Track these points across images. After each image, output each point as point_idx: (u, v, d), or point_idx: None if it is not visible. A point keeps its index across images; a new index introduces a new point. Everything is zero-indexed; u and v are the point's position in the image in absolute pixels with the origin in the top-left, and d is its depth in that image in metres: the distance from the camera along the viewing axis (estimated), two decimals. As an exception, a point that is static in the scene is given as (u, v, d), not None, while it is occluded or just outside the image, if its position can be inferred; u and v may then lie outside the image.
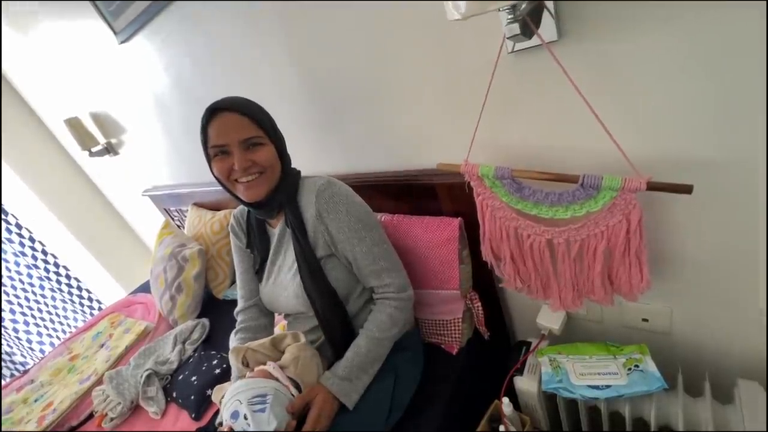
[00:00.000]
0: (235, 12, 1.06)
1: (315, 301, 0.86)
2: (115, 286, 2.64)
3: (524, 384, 0.90)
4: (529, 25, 0.57)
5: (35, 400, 1.36)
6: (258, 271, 0.98)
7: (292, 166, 0.90)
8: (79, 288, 2.63)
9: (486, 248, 0.85)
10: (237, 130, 0.79)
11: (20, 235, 2.35)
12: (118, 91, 1.69)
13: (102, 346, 1.57)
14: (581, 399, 0.80)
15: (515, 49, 0.69)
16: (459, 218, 0.94)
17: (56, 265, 2.51)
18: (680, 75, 0.59)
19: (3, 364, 2.42)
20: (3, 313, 2.37)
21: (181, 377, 1.22)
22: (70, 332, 2.42)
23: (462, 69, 0.78)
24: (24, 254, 2.38)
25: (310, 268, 0.85)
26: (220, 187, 0.86)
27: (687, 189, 0.57)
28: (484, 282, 1.02)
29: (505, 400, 0.87)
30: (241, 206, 1.00)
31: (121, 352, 1.44)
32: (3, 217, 2.28)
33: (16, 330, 2.45)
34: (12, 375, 2.43)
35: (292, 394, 0.79)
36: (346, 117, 1.05)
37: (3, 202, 2.26)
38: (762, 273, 0.68)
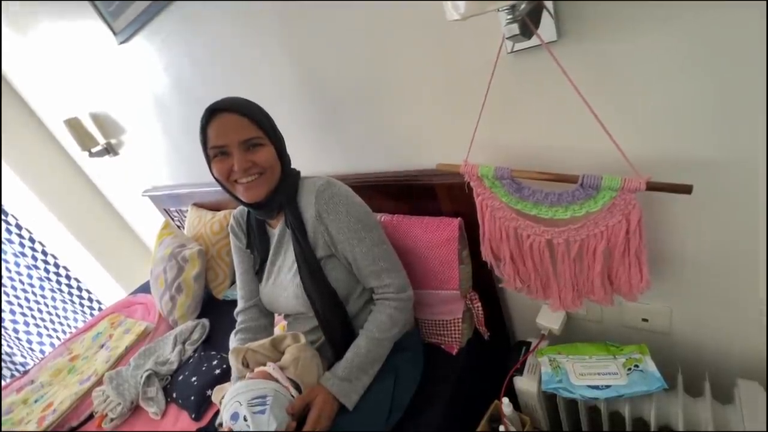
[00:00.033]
0: (234, 12, 1.06)
1: (315, 302, 0.86)
2: (115, 287, 2.64)
3: (524, 384, 0.90)
4: (528, 25, 0.56)
5: (35, 401, 1.36)
6: (258, 271, 0.98)
7: (292, 166, 0.90)
8: (79, 288, 2.63)
9: (486, 248, 0.85)
10: (237, 131, 0.78)
11: (20, 236, 2.35)
12: (118, 91, 1.69)
13: (102, 346, 1.57)
14: (581, 399, 0.80)
15: (515, 50, 0.69)
16: (459, 218, 0.94)
17: (56, 265, 2.51)
18: (679, 75, 0.59)
19: (3, 364, 2.42)
20: (3, 314, 2.36)
21: (181, 378, 1.22)
22: (70, 333, 2.43)
23: (461, 69, 0.78)
24: (24, 255, 2.38)
25: (310, 269, 0.85)
26: (220, 188, 0.86)
27: (686, 189, 0.57)
28: (483, 282, 1.02)
29: (505, 400, 0.87)
30: (241, 207, 1.00)
31: (121, 352, 1.44)
32: (3, 217, 2.28)
33: (16, 330, 2.45)
34: (12, 375, 2.43)
35: (292, 395, 0.78)
36: (346, 117, 1.05)
37: (3, 203, 2.26)
38: (762, 273, 0.68)
